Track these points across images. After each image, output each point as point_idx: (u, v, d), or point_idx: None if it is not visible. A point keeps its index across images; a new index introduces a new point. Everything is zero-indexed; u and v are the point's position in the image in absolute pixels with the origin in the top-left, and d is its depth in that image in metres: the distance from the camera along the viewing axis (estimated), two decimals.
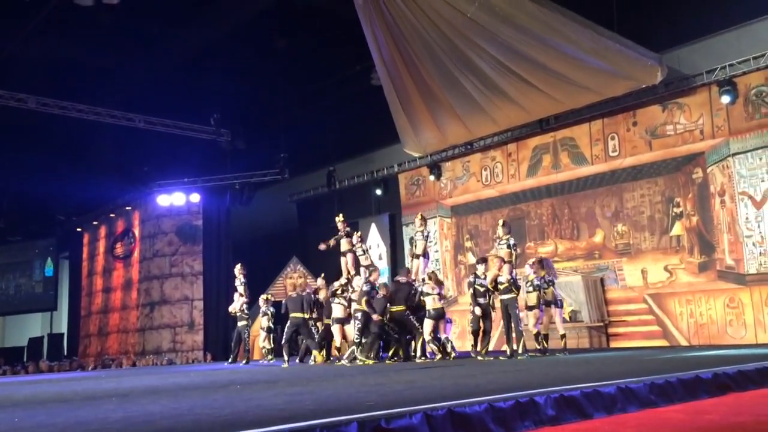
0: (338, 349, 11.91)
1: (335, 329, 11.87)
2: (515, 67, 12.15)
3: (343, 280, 12.05)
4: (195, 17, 14.02)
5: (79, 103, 15.89)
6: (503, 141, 14.90)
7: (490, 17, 11.21)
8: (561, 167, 13.99)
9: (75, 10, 12.76)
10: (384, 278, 14.03)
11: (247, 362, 14.01)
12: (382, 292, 11.07)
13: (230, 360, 14.37)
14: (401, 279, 11.41)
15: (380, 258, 16.87)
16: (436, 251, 16.12)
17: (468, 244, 15.76)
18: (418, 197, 16.83)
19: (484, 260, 10.75)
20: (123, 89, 16.46)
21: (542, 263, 11.09)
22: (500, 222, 11.33)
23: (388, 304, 10.95)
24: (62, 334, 23.30)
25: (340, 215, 12.94)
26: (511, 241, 10.97)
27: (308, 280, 13.39)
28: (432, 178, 16.24)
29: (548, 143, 14.24)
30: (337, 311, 11.80)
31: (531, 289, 10.64)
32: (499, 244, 11.09)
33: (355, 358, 10.81)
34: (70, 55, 14.91)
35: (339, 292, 11.84)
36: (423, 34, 12.15)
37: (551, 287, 10.82)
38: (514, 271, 10.46)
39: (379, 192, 17.47)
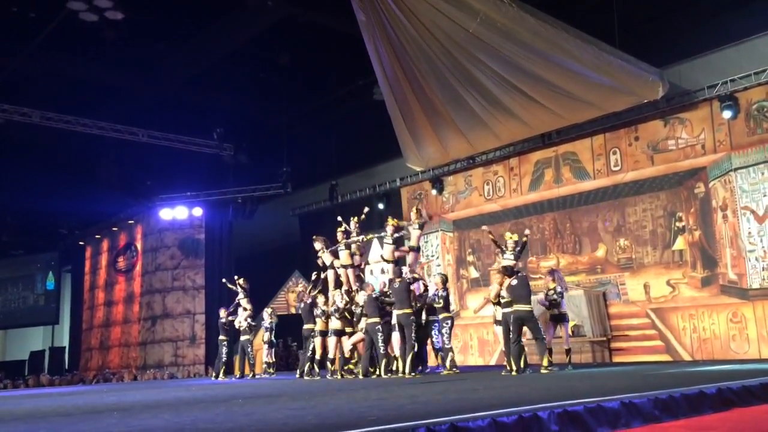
0: (332, 362, 11.88)
1: (332, 341, 11.85)
2: (517, 82, 12.20)
3: (339, 299, 11.93)
4: (199, 33, 14.12)
5: (83, 118, 15.96)
6: (505, 155, 14.94)
7: (492, 33, 11.26)
8: (563, 181, 14.01)
9: (79, 26, 12.88)
10: None
11: (253, 376, 14.05)
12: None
13: (238, 375, 14.44)
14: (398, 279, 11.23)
15: (383, 272, 16.83)
16: (438, 265, 16.11)
17: (470, 258, 15.75)
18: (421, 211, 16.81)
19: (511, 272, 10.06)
20: (126, 104, 16.55)
21: (553, 275, 10.91)
22: (513, 235, 11.03)
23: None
24: (64, 348, 23.26)
25: (353, 219, 12.89)
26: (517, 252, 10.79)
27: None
28: (434, 192, 16.26)
29: (550, 158, 14.27)
30: (336, 323, 11.79)
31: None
32: (505, 256, 10.85)
33: (396, 371, 10.78)
34: (75, 70, 15.01)
35: (342, 307, 11.80)
36: (425, 48, 12.20)
37: (561, 300, 10.66)
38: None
39: (381, 206, 17.47)
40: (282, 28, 13.72)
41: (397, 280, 11.11)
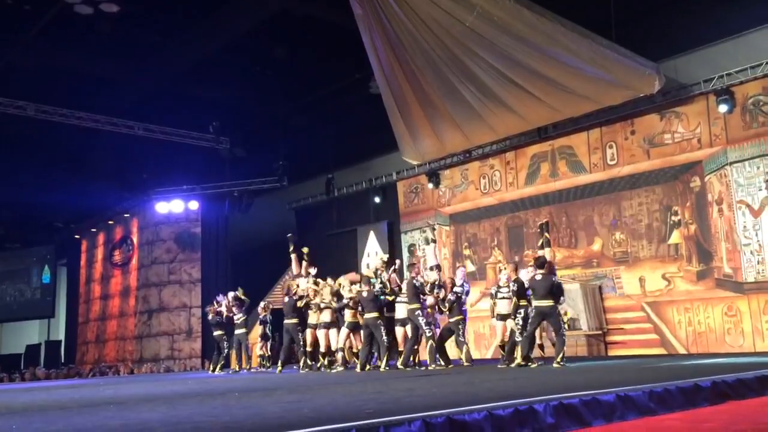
0: (323, 355, 11.89)
1: (320, 334, 11.87)
2: (513, 76, 12.19)
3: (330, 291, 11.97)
4: (194, 26, 14.06)
5: (78, 111, 15.91)
6: (501, 149, 14.93)
7: (488, 26, 11.25)
8: (559, 175, 14.02)
9: (75, 19, 12.82)
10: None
11: (249, 369, 14.07)
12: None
13: (232, 369, 14.44)
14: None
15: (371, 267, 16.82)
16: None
17: (466, 252, 15.76)
18: (417, 205, 16.85)
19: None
20: (122, 97, 16.50)
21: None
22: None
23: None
24: (60, 341, 23.24)
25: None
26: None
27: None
28: (430, 186, 16.25)
29: (546, 151, 14.27)
30: (325, 315, 11.81)
31: (508, 295, 10.12)
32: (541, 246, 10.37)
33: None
34: (70, 63, 14.94)
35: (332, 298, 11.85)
36: (422, 42, 12.18)
37: None
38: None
39: (377, 200, 17.47)
40: (278, 22, 13.67)
41: (366, 289, 11.13)
